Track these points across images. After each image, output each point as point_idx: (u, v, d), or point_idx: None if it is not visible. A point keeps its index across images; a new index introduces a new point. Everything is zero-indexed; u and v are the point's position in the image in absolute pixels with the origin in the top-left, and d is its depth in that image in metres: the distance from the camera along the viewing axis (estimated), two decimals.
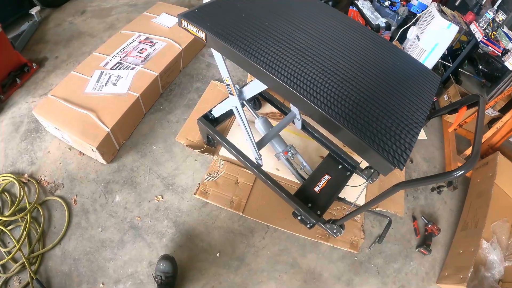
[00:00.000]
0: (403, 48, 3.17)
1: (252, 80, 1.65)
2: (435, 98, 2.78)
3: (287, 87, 1.20)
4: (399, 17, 3.31)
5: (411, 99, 1.41)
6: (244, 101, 1.93)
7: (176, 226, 1.91)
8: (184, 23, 1.41)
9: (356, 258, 2.02)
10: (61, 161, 2.09)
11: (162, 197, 2.00)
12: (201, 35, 1.38)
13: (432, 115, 1.58)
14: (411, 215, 2.28)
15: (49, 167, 2.06)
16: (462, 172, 0.99)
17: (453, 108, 1.50)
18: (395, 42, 3.15)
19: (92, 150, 1.96)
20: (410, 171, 2.49)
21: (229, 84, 1.62)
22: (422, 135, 2.73)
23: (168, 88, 2.58)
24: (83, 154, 2.12)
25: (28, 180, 1.98)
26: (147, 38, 2.53)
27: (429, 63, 2.83)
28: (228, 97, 1.76)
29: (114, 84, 2.18)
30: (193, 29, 1.40)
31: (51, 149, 2.13)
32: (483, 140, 2.43)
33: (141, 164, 2.12)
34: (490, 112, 2.65)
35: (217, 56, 1.54)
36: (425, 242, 2.16)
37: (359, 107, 1.22)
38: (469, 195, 2.43)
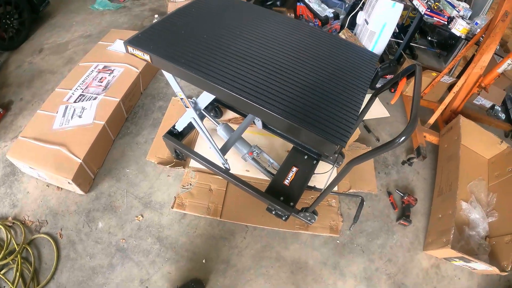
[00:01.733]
0: (354, 33, 3.34)
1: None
2: (391, 76, 2.94)
3: (227, 92, 1.34)
4: (347, 5, 3.50)
5: (349, 80, 1.55)
6: (203, 112, 2.08)
7: (160, 242, 2.06)
8: (130, 48, 1.54)
9: (338, 241, 2.17)
10: (41, 199, 2.22)
11: (142, 216, 2.14)
12: (146, 57, 1.52)
13: (378, 91, 1.74)
14: (385, 191, 2.44)
15: (31, 207, 2.18)
16: (404, 137, 1.09)
17: (395, 82, 1.64)
18: (345, 30, 3.32)
19: (69, 182, 2.09)
20: None
21: (182, 98, 1.77)
22: (384, 113, 2.91)
23: (132, 111, 2.74)
24: (61, 188, 2.25)
25: (13, 223, 2.10)
26: (105, 67, 2.68)
27: (381, 44, 3.01)
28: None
29: (80, 116, 2.32)
30: (139, 53, 1.53)
31: (30, 189, 2.26)
32: (444, 107, 2.59)
33: (117, 188, 2.26)
34: (447, 79, 2.83)
35: (167, 74, 1.69)
36: (404, 214, 2.32)
37: (297, 97, 1.36)
38: (439, 161, 2.60)
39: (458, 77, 2.99)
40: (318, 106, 1.37)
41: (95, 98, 2.44)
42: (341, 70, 1.59)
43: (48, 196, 2.23)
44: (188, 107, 1.82)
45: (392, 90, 3.14)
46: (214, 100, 1.95)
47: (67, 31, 3.56)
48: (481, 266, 2.07)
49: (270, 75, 1.44)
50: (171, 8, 3.70)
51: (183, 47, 1.51)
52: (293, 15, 3.94)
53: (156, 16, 3.52)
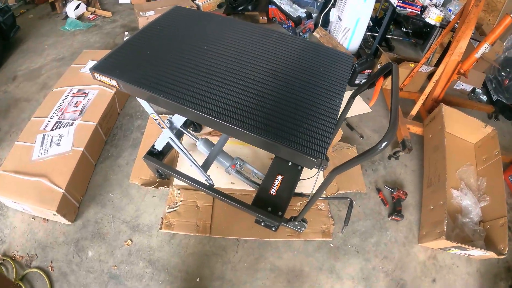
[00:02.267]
0: (329, 31, 3.31)
1: None
2: (369, 71, 2.92)
3: (198, 113, 1.30)
4: (319, 3, 3.47)
5: (324, 86, 1.51)
6: (181, 128, 2.04)
7: (152, 265, 2.01)
8: (96, 75, 1.49)
9: (331, 244, 2.15)
10: (28, 232, 2.16)
11: (131, 240, 2.10)
12: (114, 83, 1.46)
13: (356, 92, 1.70)
14: (374, 188, 2.42)
15: (19, 241, 2.13)
16: (385, 143, 1.06)
17: (372, 82, 1.58)
18: (319, 29, 3.29)
19: (54, 214, 2.04)
20: (363, 146, 2.64)
21: (157, 119, 1.72)
22: (366, 108, 2.88)
23: (111, 133, 2.69)
24: (47, 220, 2.20)
25: (3, 260, 2.04)
26: (79, 90, 2.62)
27: (356, 39, 2.98)
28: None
29: (58, 144, 2.26)
30: (106, 79, 1.48)
31: (16, 223, 2.20)
32: (425, 97, 2.58)
33: (103, 214, 2.21)
34: (425, 69, 2.81)
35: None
36: (396, 209, 2.30)
37: (270, 111, 1.33)
38: (426, 152, 2.58)
39: (436, 65, 2.98)
40: (293, 118, 1.33)
41: (71, 124, 2.38)
42: (315, 76, 1.56)
43: (35, 228, 2.17)
44: (163, 128, 1.78)
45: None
46: None
47: (40, 56, 3.48)
48: (478, 253, 2.07)
49: (241, 91, 1.40)
50: (142, 22, 3.64)
51: (149, 69, 1.46)
52: (265, 18, 3.91)
53: (126, 33, 3.45)
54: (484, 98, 3.37)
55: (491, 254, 2.00)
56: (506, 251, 1.99)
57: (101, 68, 1.48)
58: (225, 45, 1.64)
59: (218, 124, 1.30)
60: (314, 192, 1.59)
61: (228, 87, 1.41)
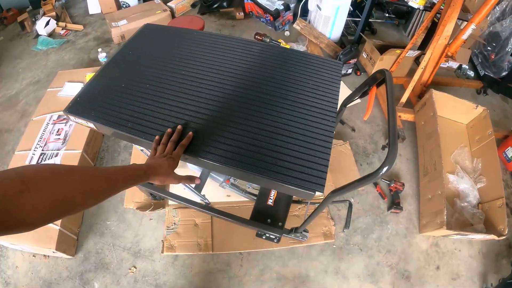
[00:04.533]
0: (308, 21, 3.22)
1: None
2: (354, 60, 2.86)
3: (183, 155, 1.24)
4: None
5: (316, 104, 1.41)
6: None
7: None
8: (72, 117, 1.40)
9: (334, 245, 2.16)
10: (31, 271, 2.14)
11: (135, 267, 2.09)
12: (91, 125, 1.36)
13: (346, 102, 1.65)
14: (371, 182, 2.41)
15: (24, 281, 2.10)
16: (386, 167, 0.97)
17: (363, 91, 1.49)
18: (299, 20, 3.19)
19: (53, 252, 2.02)
20: (356, 140, 2.62)
21: (142, 150, 1.68)
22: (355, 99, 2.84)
23: (98, 157, 2.63)
24: (48, 256, 2.18)
25: None
26: (59, 116, 2.55)
27: (338, 27, 2.91)
28: None
29: None
30: (82, 121, 1.37)
31: (18, 263, 2.18)
32: (414, 83, 2.54)
33: (103, 244, 2.19)
34: (412, 53, 2.76)
35: None
36: (394, 202, 2.31)
37: (259, 142, 1.24)
38: (419, 140, 2.57)
39: (421, 47, 2.93)
40: (283, 148, 1.22)
41: (56, 155, 2.32)
42: (303, 93, 1.44)
43: (37, 266, 2.15)
44: None
45: (358, 73, 3.06)
46: None
47: (15, 81, 3.37)
48: (479, 236, 2.10)
49: (225, 122, 1.28)
50: (115, 33, 3.52)
51: (126, 106, 1.35)
52: (242, 13, 3.80)
53: (99, 49, 3.32)
54: (471, 73, 3.35)
55: (491, 237, 2.03)
56: (506, 232, 2.01)
57: (74, 109, 1.36)
58: (203, 66, 1.56)
59: (207, 165, 1.24)
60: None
61: (215, 119, 1.29)
